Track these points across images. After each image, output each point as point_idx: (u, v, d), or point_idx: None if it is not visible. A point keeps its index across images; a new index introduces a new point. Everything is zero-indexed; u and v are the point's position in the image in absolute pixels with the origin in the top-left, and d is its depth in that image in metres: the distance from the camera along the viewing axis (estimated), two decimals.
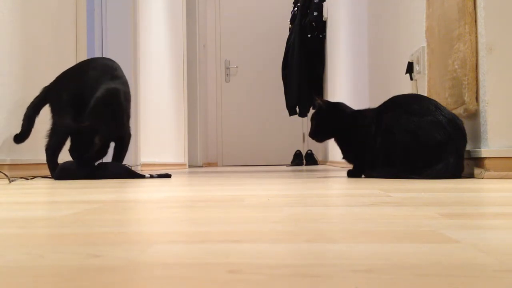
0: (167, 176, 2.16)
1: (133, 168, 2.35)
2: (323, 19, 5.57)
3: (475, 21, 1.67)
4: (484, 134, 1.63)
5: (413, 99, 1.75)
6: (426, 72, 2.08)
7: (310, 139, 1.94)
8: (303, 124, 6.60)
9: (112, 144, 2.22)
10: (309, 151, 6.03)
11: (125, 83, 2.20)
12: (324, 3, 5.54)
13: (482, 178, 1.58)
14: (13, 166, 2.21)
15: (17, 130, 2.17)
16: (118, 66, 2.27)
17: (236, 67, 6.83)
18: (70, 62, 2.80)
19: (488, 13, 1.62)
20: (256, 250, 0.45)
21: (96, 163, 2.14)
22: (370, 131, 1.78)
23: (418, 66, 2.20)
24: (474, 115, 1.69)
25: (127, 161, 2.76)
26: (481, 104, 1.64)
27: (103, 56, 2.39)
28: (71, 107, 2.13)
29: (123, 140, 2.20)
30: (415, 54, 2.25)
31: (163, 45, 4.61)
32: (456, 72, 1.73)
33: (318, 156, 6.17)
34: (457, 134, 1.61)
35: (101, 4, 3.66)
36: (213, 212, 0.75)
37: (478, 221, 0.63)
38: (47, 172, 2.25)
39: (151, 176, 2.08)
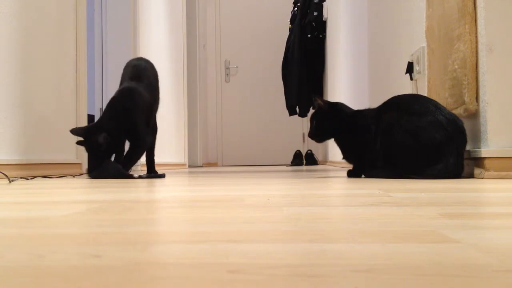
0: (161, 176, 2.13)
1: (133, 168, 2.34)
2: (323, 19, 5.57)
3: (475, 21, 1.67)
4: (484, 134, 1.63)
5: (413, 99, 1.75)
6: (426, 72, 2.08)
7: (310, 139, 1.94)
8: (303, 124, 6.60)
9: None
10: (309, 151, 6.03)
11: (148, 86, 2.19)
12: (324, 3, 5.54)
13: (482, 178, 1.58)
14: (13, 166, 2.21)
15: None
16: (148, 67, 2.27)
17: (236, 67, 6.83)
18: (70, 62, 2.80)
19: (488, 13, 1.62)
20: (256, 250, 0.44)
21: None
22: (370, 131, 1.78)
23: (418, 66, 2.20)
24: (474, 115, 1.69)
25: None
26: (481, 104, 1.64)
27: (139, 57, 2.41)
28: None
29: (134, 140, 2.15)
30: (415, 54, 2.25)
31: (163, 45, 4.61)
32: (456, 72, 1.73)
33: (318, 156, 6.17)
34: (457, 134, 1.61)
35: (101, 4, 3.66)
36: (213, 212, 0.75)
37: (478, 221, 0.63)
38: (47, 172, 2.25)
39: (140, 177, 2.03)
